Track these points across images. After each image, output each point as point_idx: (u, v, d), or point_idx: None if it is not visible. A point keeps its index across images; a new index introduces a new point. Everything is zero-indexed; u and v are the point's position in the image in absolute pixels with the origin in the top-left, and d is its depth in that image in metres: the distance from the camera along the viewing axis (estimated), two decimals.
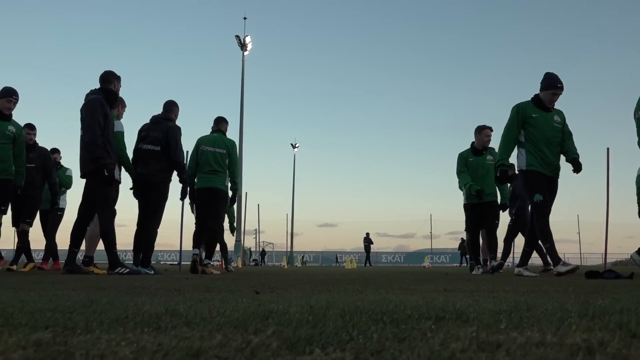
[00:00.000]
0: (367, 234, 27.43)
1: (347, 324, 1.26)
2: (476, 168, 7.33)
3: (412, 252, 29.88)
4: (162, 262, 33.93)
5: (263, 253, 36.59)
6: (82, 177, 5.77)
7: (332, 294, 2.42)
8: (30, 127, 7.31)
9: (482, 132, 7.39)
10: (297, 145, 44.86)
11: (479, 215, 7.39)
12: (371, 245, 27.36)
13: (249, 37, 31.43)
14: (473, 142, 7.47)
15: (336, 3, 73.53)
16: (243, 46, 31.23)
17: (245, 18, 32.18)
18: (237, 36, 31.37)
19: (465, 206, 7.53)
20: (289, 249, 39.85)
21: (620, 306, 1.68)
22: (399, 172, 70.33)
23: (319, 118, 71.28)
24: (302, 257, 35.76)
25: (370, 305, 1.72)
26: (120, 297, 2.19)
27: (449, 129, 71.90)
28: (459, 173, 7.41)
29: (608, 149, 7.65)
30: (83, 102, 5.77)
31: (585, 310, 1.57)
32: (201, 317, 1.40)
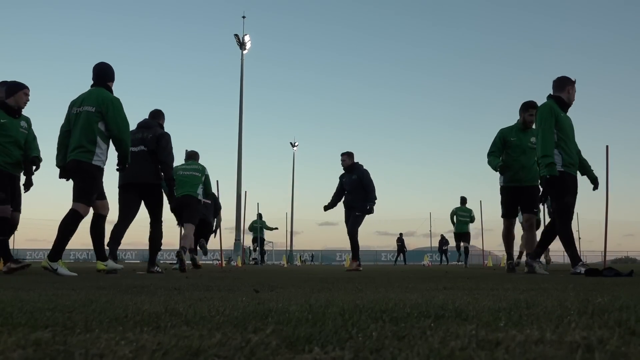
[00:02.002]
0: (401, 234, 28.65)
1: (346, 322, 1.26)
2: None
3: (412, 251, 29.95)
4: (161, 262, 33.93)
5: (263, 252, 36.59)
6: (124, 185, 6.16)
7: (332, 293, 2.42)
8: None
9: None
10: (296, 144, 44.86)
11: (517, 201, 6.56)
12: (404, 246, 28.62)
13: (247, 35, 31.42)
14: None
15: (335, 2, 73.49)
16: (242, 45, 31.21)
17: (244, 17, 32.21)
18: (236, 35, 31.35)
19: (501, 190, 6.69)
20: (288, 248, 39.85)
21: (620, 304, 1.68)
22: (398, 170, 70.39)
23: (318, 117, 71.29)
24: (301, 256, 35.73)
25: (370, 304, 1.72)
26: (119, 296, 2.19)
27: (449, 126, 71.97)
28: (489, 153, 6.63)
29: (607, 146, 7.65)
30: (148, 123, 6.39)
31: (584, 308, 1.57)
32: (201, 316, 1.40)
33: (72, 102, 5.26)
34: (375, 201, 8.67)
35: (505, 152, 6.54)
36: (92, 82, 5.32)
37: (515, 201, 6.56)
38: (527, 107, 6.48)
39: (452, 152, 72.04)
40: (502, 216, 6.71)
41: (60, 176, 5.21)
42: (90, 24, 64.39)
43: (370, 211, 8.63)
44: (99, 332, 1.12)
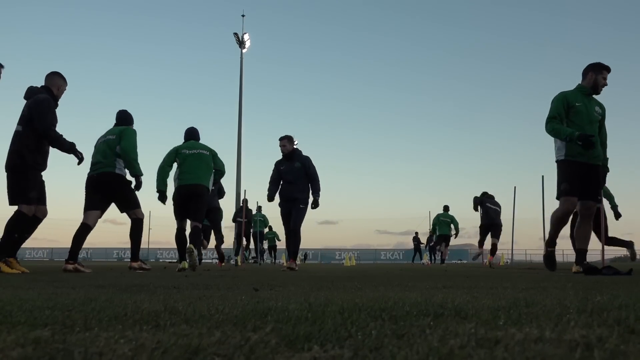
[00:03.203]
0: (416, 232, 29.05)
1: (345, 320, 1.26)
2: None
3: (412, 250, 30.03)
4: (161, 260, 33.98)
5: (262, 251, 36.64)
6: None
7: (331, 291, 2.42)
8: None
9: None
10: (295, 143, 44.83)
11: (582, 180, 5.30)
12: (421, 245, 28.89)
13: (247, 34, 31.43)
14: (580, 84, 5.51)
15: (335, 1, 73.43)
16: (241, 44, 31.22)
17: (243, 15, 32.26)
18: (236, 34, 31.37)
19: (563, 163, 5.34)
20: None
21: (619, 302, 1.69)
22: (398, 169, 70.36)
23: (318, 115, 71.19)
24: (303, 254, 35.73)
25: (369, 302, 1.72)
26: (119, 294, 2.19)
27: (448, 125, 71.94)
28: (550, 119, 5.31)
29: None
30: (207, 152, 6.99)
31: (583, 306, 1.57)
32: (200, 314, 1.40)
33: (181, 148, 6.94)
34: (320, 193, 7.60)
35: (567, 120, 5.33)
36: (187, 139, 7.16)
37: (581, 178, 5.29)
38: (602, 69, 5.39)
39: (452, 152, 72.01)
40: (565, 194, 5.27)
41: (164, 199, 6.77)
42: (89, 22, 64.24)
43: (317, 205, 7.57)
44: (98, 330, 1.12)
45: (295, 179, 7.57)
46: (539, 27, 70.85)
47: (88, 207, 6.11)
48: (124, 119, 6.58)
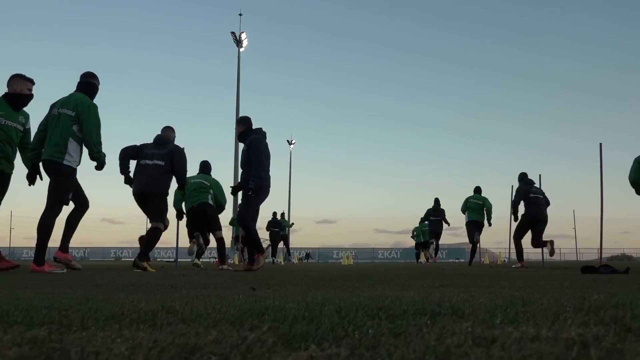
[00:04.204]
0: None
1: (342, 319, 1.26)
2: None
3: (409, 249, 29.99)
4: (158, 259, 33.94)
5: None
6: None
7: (329, 290, 2.42)
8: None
9: None
10: (293, 142, 44.84)
11: None
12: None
13: (244, 33, 31.42)
14: None
15: (333, 1, 73.35)
16: (239, 42, 31.20)
17: (240, 14, 32.28)
18: (233, 32, 31.36)
19: None
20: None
21: (616, 301, 1.69)
22: (396, 168, 70.38)
23: (315, 114, 71.08)
24: (308, 253, 35.68)
25: (366, 301, 1.72)
26: (116, 294, 2.19)
27: (445, 125, 71.98)
28: None
29: (601, 144, 7.69)
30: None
31: (580, 305, 1.58)
32: (197, 313, 1.40)
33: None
34: (260, 180, 6.17)
35: None
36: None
37: None
38: None
39: (450, 151, 72.05)
40: None
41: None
42: (87, 22, 64.05)
43: (250, 196, 6.17)
44: (95, 329, 1.12)
45: (244, 164, 6.34)
46: (535, 29, 70.87)
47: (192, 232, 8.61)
48: (208, 168, 8.98)
